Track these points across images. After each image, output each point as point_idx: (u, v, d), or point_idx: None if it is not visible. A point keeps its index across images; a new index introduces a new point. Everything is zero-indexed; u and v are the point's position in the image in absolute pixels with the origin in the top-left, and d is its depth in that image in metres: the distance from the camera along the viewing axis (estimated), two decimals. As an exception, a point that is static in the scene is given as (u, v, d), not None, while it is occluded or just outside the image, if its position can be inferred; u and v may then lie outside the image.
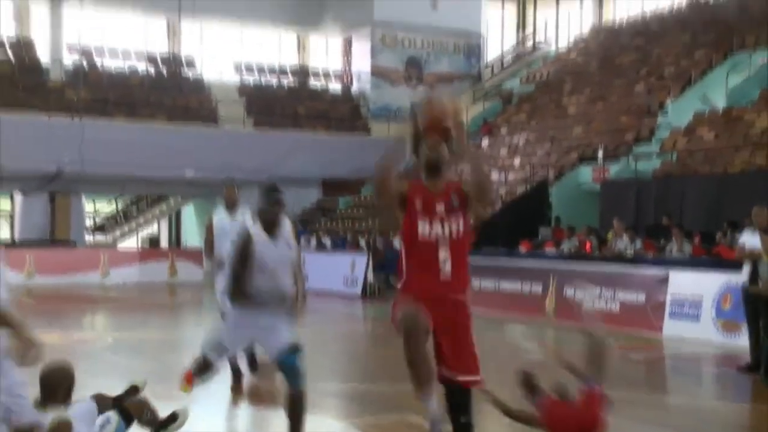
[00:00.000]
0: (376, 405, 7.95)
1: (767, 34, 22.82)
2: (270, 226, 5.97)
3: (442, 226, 4.98)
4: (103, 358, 10.93)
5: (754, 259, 9.60)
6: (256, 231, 5.91)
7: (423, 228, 4.96)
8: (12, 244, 26.60)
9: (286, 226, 6.16)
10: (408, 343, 4.77)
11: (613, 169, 21.00)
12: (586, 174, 21.77)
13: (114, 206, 33.72)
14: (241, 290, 5.88)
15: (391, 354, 5.97)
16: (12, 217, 29.14)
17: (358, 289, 20.99)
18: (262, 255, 5.85)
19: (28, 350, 4.77)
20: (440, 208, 4.98)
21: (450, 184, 5.06)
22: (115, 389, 6.40)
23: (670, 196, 17.69)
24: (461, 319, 5.07)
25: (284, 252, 6.00)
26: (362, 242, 23.50)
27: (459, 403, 5.03)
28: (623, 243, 15.79)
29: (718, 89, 22.60)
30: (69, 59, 29.24)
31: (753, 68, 22.24)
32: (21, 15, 30.13)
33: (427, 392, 4.87)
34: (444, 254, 4.98)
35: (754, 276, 9.72)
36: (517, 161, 24.38)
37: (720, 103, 21.98)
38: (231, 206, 9.32)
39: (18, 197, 28.57)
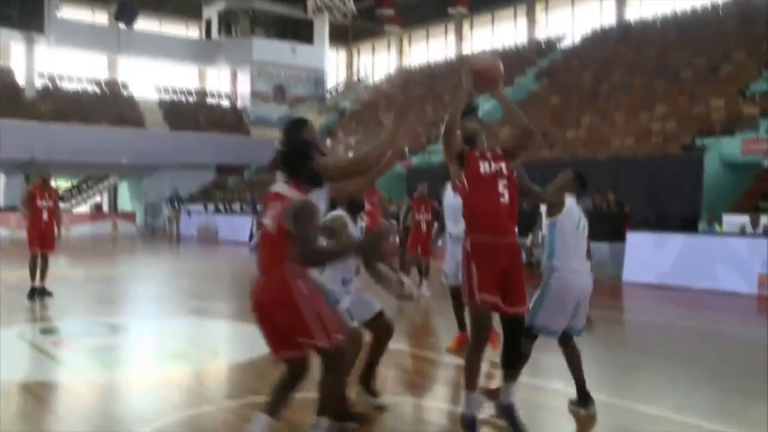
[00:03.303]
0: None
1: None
2: None
3: (497, 167, 3.98)
4: (83, 288, 11.11)
5: None
6: None
7: (483, 167, 3.96)
8: (-1, 210, 26.66)
9: None
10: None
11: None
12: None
13: (71, 183, 33.57)
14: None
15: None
16: (-2, 190, 29.10)
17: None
18: None
19: None
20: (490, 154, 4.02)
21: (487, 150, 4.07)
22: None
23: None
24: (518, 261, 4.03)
25: None
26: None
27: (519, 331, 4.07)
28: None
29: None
30: (39, 82, 29.59)
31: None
32: (1, 51, 30.36)
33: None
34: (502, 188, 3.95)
35: None
36: (349, 155, 25.73)
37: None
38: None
39: (1, 177, 28.77)
